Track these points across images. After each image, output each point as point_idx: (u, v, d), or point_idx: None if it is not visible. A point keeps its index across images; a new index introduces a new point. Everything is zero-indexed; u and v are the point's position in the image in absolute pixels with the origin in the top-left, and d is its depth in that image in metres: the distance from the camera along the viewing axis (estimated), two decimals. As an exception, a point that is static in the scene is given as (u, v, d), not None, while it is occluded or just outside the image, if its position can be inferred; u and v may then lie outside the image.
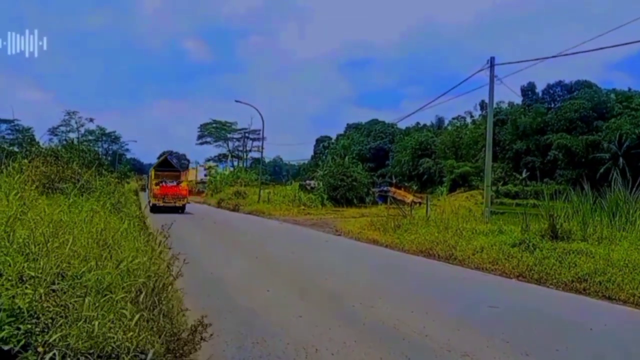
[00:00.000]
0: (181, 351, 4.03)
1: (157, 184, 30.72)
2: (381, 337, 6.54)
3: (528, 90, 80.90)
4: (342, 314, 7.79)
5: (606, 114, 66.91)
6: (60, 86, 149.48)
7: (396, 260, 14.30)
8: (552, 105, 77.25)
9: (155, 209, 28.97)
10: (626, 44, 20.37)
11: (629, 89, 76.08)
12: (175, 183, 31.53)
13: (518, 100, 77.81)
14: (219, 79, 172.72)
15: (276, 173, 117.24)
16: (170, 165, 35.56)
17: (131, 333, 3.47)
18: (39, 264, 3.87)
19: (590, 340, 6.71)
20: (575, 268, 10.50)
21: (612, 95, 72.65)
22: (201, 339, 4.42)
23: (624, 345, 6.60)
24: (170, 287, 5.62)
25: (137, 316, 3.68)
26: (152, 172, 33.86)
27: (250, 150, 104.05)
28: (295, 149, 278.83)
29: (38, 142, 22.56)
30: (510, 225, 15.48)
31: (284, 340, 6.11)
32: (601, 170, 57.79)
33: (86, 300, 3.56)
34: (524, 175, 66.49)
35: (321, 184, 46.68)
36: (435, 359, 5.76)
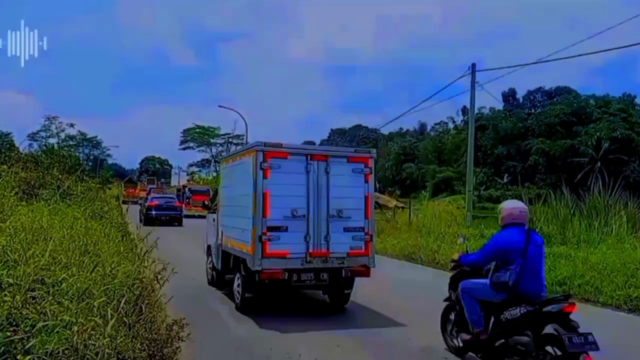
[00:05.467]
0: (161, 354, 4.01)
1: (125, 190, 53.28)
2: (364, 341, 6.58)
3: (509, 96, 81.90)
4: (325, 319, 7.82)
5: (585, 119, 67.97)
6: (41, 90, 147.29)
7: (379, 264, 14.34)
8: (533, 111, 78.34)
9: (123, 202, 43.00)
10: (604, 50, 20.84)
11: (607, 95, 77.48)
12: (134, 189, 58.68)
13: (499, 105, 78.51)
14: (203, 84, 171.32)
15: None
16: (132, 181, 69.46)
17: (108, 339, 3.45)
18: (18, 271, 3.83)
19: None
20: (554, 271, 10.65)
21: (592, 101, 73.86)
22: (179, 338, 4.40)
23: (603, 348, 6.71)
24: (153, 293, 5.60)
25: (112, 321, 3.65)
26: (123, 184, 58.58)
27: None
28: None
29: (17, 148, 22.21)
30: (491, 229, 15.65)
31: (267, 346, 6.11)
32: (580, 175, 58.67)
33: (66, 307, 3.54)
34: (505, 179, 67.21)
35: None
36: (417, 362, 5.81)
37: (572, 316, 4.78)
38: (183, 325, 4.61)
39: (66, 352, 3.17)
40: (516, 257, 5.12)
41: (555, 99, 75.06)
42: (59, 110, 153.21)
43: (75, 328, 3.30)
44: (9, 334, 3.08)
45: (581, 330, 4.68)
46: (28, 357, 2.94)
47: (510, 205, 5.61)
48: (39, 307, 3.43)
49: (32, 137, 78.46)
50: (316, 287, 8.30)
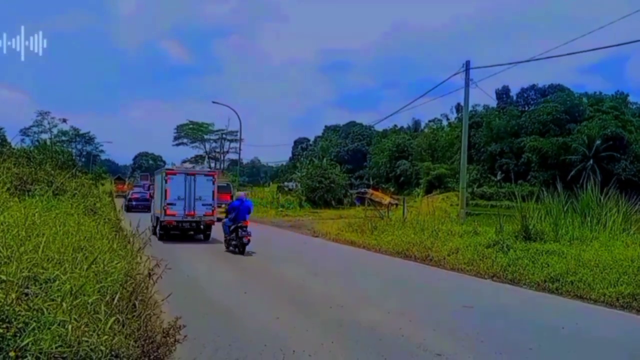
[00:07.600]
0: (156, 354, 3.99)
1: (116, 185, 62.92)
2: (358, 338, 6.58)
3: (502, 94, 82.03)
4: (320, 315, 7.82)
5: (578, 117, 68.21)
6: (34, 86, 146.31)
7: (373, 262, 14.39)
8: (526, 109, 78.50)
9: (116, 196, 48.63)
10: (597, 48, 20.93)
11: (600, 93, 77.78)
12: (122, 185, 65.42)
13: (493, 103, 78.76)
14: (197, 80, 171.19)
15: (254, 175, 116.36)
16: (122, 179, 75.16)
17: (105, 336, 3.43)
18: (11, 268, 3.80)
19: (562, 339, 6.85)
20: (547, 268, 10.70)
21: (584, 99, 74.13)
22: (175, 341, 4.38)
23: (595, 344, 6.76)
24: (147, 290, 5.57)
25: (111, 320, 3.64)
26: (114, 181, 68.40)
27: (227, 152, 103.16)
28: (273, 151, 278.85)
29: (9, 143, 22.08)
30: (485, 227, 15.70)
31: (262, 342, 6.11)
32: (573, 172, 58.89)
33: (60, 304, 3.51)
34: (498, 177, 67.40)
35: (299, 185, 46.66)
36: (411, 359, 5.82)
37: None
38: (179, 328, 4.56)
39: (59, 348, 3.15)
40: (236, 209, 15.32)
41: (548, 97, 75.17)
42: (51, 106, 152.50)
43: (70, 325, 3.27)
44: (1, 330, 3.06)
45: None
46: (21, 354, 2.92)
47: (239, 193, 18.79)
48: (32, 304, 3.41)
49: (25, 132, 77.97)
50: (191, 229, 18.47)
